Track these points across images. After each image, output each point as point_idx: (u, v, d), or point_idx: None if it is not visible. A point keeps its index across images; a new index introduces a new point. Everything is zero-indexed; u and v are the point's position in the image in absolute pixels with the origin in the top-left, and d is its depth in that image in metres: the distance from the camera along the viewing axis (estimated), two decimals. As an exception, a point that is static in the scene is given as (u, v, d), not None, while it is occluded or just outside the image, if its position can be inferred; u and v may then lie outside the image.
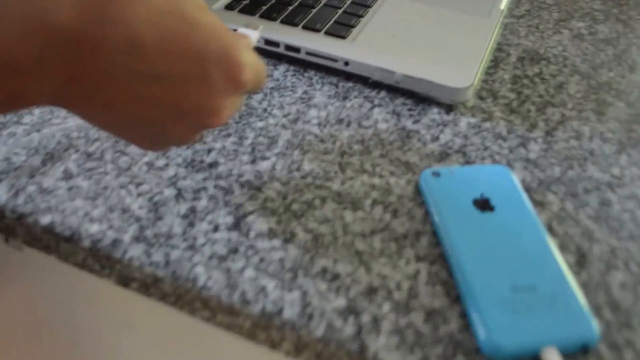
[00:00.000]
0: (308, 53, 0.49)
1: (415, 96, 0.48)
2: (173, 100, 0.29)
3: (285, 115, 0.45)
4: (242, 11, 0.53)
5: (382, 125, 0.44)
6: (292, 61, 0.51)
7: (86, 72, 0.26)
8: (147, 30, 0.26)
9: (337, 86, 0.48)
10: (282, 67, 0.50)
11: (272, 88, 0.47)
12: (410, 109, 0.46)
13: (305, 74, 0.49)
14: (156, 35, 0.27)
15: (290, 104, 0.46)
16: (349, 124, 0.44)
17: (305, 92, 0.47)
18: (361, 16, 0.53)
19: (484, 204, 0.36)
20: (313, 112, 0.45)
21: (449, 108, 0.47)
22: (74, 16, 0.25)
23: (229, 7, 0.53)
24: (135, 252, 0.33)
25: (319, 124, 0.44)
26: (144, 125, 0.30)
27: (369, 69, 0.47)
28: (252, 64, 0.31)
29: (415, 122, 0.45)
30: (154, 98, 0.28)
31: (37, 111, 0.43)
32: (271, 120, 0.44)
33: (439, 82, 0.45)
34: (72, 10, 0.25)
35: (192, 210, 0.36)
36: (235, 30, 0.46)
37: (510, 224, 0.35)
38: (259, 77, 0.32)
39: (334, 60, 0.48)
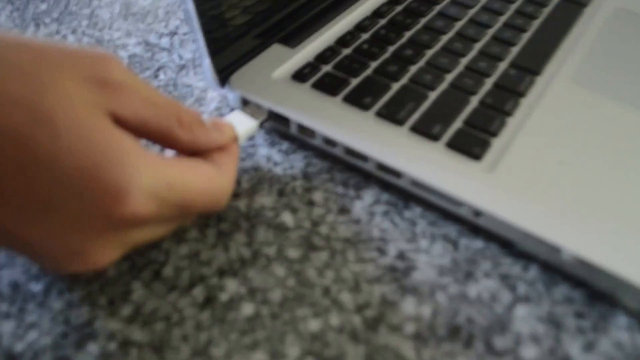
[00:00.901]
0: (415, 184, 0.30)
1: (588, 286, 0.28)
2: (7, 229, 0.22)
3: (358, 309, 0.27)
4: (318, 87, 0.35)
5: (529, 350, 0.26)
6: (387, 185, 0.33)
7: None
8: None
9: (456, 246, 0.30)
10: (369, 196, 0.32)
11: (345, 240, 0.30)
12: (579, 315, 0.27)
13: (406, 213, 0.31)
14: None
15: (372, 281, 0.28)
16: (470, 341, 0.26)
17: (400, 256, 0.29)
18: (508, 114, 0.34)
19: None
20: (407, 307, 0.27)
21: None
22: None
23: (297, 78, 0.35)
24: None
25: (416, 337, 0.26)
26: None
27: (515, 232, 0.28)
28: (164, 179, 0.24)
29: (588, 348, 0.26)
30: None
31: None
32: (333, 321, 0.26)
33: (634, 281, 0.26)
34: None
35: None
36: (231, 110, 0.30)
37: None
38: (190, 197, 0.25)
39: (457, 204, 0.29)
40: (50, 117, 0.21)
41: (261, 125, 0.34)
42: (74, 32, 0.44)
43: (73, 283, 0.27)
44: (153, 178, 0.23)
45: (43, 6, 0.47)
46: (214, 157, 0.28)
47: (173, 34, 0.44)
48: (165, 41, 0.43)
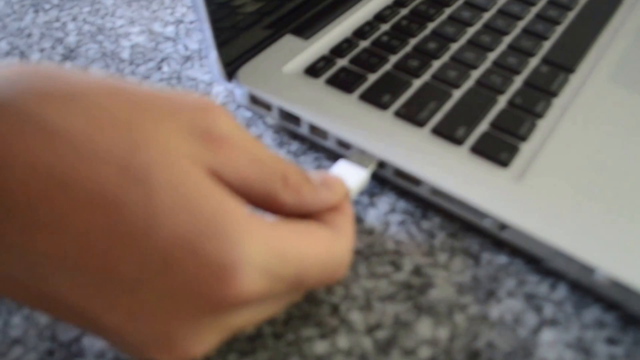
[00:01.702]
0: (435, 192, 0.29)
1: (622, 309, 0.27)
2: (84, 310, 0.19)
3: (369, 331, 0.25)
4: (333, 83, 0.33)
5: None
6: (404, 192, 0.31)
7: None
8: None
9: (477, 261, 0.28)
10: (384, 203, 0.31)
11: (357, 253, 0.28)
12: (611, 341, 0.26)
13: (424, 224, 0.30)
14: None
15: (385, 299, 0.26)
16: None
17: (416, 271, 0.28)
18: (539, 116, 0.32)
19: None
20: (423, 328, 0.26)
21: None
22: None
23: (310, 72, 0.34)
24: None
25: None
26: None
27: (544, 248, 0.27)
28: (275, 257, 0.20)
29: (622, 379, 0.24)
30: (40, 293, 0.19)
31: None
32: (341, 343, 0.25)
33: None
34: None
35: None
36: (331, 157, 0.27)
37: None
38: (306, 273, 0.22)
39: (481, 215, 0.28)
40: (146, 174, 0.18)
41: (373, 175, 0.30)
42: (74, 19, 0.43)
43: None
44: (265, 252, 0.20)
45: (44, -10, 0.46)
46: (327, 219, 0.24)
47: (179, 22, 0.43)
48: (170, 30, 0.42)
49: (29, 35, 0.42)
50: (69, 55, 0.40)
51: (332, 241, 0.23)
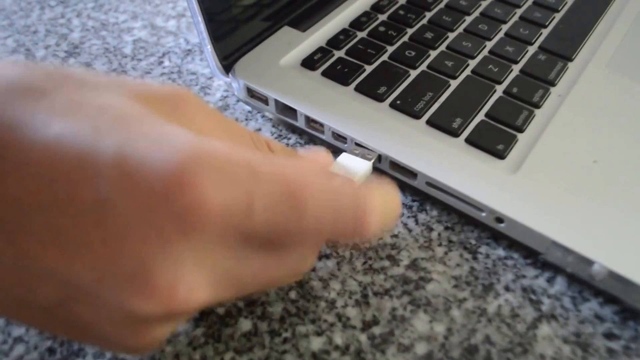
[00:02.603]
0: (430, 185, 0.27)
1: (621, 303, 0.25)
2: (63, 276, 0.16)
3: (365, 327, 0.24)
4: (329, 75, 0.31)
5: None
6: (402, 184, 0.29)
7: None
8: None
9: (475, 255, 0.26)
10: (381, 196, 0.28)
11: (353, 247, 0.26)
12: (609, 335, 0.24)
13: (421, 217, 0.28)
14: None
15: (381, 294, 0.25)
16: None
17: (413, 266, 0.26)
18: (536, 105, 0.30)
19: None
20: (419, 324, 0.24)
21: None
22: None
23: (307, 65, 0.32)
24: None
25: (428, 359, 0.23)
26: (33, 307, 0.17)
27: (541, 241, 0.25)
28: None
29: (622, 375, 0.23)
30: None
31: None
32: (337, 339, 0.23)
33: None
34: None
35: None
36: (332, 151, 0.25)
37: None
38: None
39: (477, 208, 0.26)
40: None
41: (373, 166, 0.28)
42: (79, 15, 0.41)
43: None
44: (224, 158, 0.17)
45: (49, -13, 0.44)
46: None
47: (181, 16, 0.41)
48: (171, 24, 0.40)
49: (35, 32, 0.40)
50: (73, 51, 0.38)
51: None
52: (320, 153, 0.24)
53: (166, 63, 0.37)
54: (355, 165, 0.26)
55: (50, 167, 0.15)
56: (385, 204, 0.20)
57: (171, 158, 0.15)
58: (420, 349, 0.23)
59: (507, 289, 0.25)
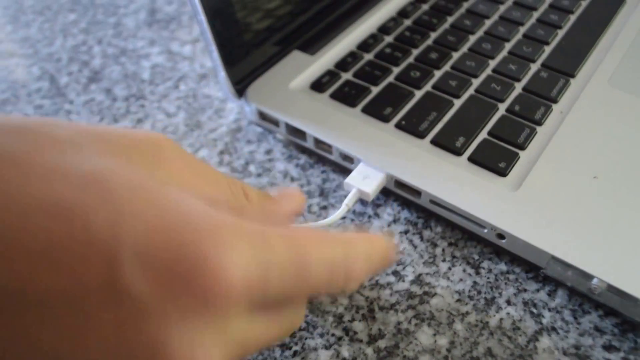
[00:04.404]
0: (434, 202, 0.28)
1: (620, 315, 0.25)
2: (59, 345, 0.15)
3: (371, 340, 0.25)
4: (337, 97, 0.33)
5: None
6: (406, 202, 0.30)
7: None
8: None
9: (477, 270, 0.27)
10: (387, 214, 0.30)
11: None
12: (608, 347, 0.24)
13: (426, 234, 0.29)
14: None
15: (387, 309, 0.26)
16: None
17: (418, 280, 0.27)
18: (538, 123, 0.31)
19: None
20: (423, 337, 0.25)
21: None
22: None
23: (316, 87, 0.33)
24: None
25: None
26: None
27: (542, 256, 0.26)
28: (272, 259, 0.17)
29: (621, 386, 0.23)
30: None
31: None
32: (345, 353, 0.24)
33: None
34: None
35: None
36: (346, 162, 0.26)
37: None
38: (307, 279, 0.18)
39: (479, 225, 0.27)
40: (103, 180, 0.16)
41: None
42: (99, 42, 0.43)
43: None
44: (250, 237, 0.17)
45: (72, 16, 0.46)
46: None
47: (196, 41, 0.43)
48: (187, 49, 0.42)
49: (58, 60, 0.42)
50: (94, 77, 0.40)
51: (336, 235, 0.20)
52: (293, 193, 0.25)
53: (182, 87, 0.38)
54: (370, 175, 0.28)
55: (52, 249, 0.15)
56: (371, 250, 0.21)
57: (188, 239, 0.16)
58: (424, 361, 0.24)
59: (508, 302, 0.26)
